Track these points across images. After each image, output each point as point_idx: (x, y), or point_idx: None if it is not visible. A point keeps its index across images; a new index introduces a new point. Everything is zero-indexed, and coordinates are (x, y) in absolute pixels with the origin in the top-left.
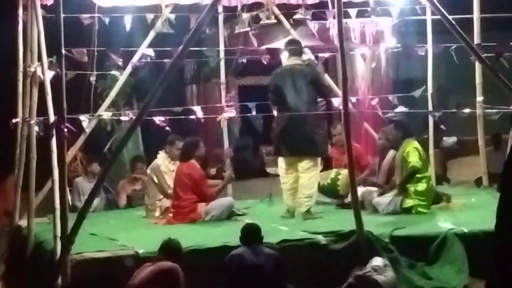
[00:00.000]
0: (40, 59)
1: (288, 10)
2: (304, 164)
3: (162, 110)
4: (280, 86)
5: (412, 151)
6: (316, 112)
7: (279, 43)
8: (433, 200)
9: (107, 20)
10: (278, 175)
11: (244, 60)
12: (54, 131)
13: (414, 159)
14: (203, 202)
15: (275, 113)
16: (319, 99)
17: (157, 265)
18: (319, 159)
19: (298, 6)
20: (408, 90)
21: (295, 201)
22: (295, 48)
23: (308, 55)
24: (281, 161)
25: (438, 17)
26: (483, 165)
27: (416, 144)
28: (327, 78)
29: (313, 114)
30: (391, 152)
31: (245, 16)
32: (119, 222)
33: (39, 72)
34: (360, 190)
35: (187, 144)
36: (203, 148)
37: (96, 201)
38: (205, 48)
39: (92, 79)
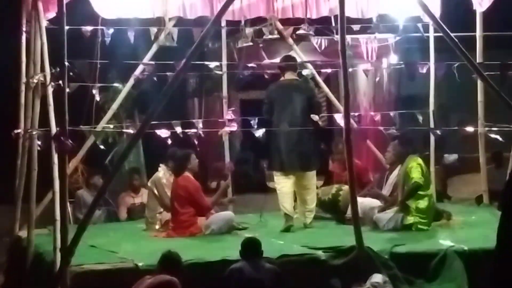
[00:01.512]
0: (43, 70)
1: (291, 25)
2: (305, 182)
3: (164, 123)
4: (277, 100)
5: (415, 167)
6: (310, 126)
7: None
8: (434, 217)
9: (110, 32)
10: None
11: (246, 74)
12: (55, 143)
13: (416, 175)
14: (200, 214)
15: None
16: (320, 114)
17: (156, 278)
18: (314, 172)
19: (301, 21)
20: (410, 107)
21: (293, 205)
22: (291, 63)
23: (309, 70)
24: (279, 175)
25: (441, 34)
26: (484, 183)
27: (419, 160)
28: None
29: (308, 129)
30: (399, 167)
31: (248, 30)
32: (119, 234)
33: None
34: (361, 201)
35: (179, 157)
36: (196, 160)
37: (97, 213)
38: (208, 62)
39: (95, 91)
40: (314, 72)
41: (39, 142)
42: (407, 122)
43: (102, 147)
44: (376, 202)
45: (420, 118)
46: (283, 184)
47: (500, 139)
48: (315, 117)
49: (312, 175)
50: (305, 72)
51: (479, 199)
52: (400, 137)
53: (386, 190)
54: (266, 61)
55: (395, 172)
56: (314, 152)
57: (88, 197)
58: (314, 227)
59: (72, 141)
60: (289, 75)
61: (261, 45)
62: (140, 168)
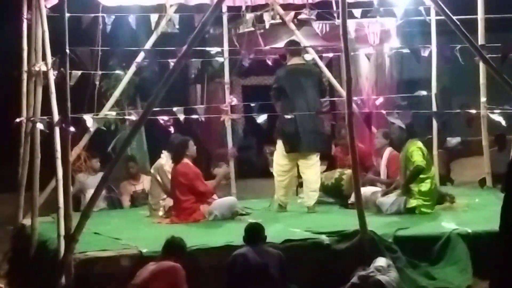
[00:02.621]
0: (44, 58)
1: (292, 10)
2: (308, 160)
3: (166, 110)
4: (287, 85)
5: (415, 150)
6: (321, 110)
7: (284, 43)
8: (437, 200)
9: (111, 19)
10: None
11: (247, 64)
12: (58, 130)
13: (418, 158)
14: (201, 200)
15: (277, 109)
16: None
17: (159, 264)
18: (318, 155)
19: (302, 6)
20: (412, 91)
21: (288, 196)
22: (296, 48)
23: (311, 55)
24: (278, 158)
25: (443, 17)
26: (487, 165)
27: (419, 144)
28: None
29: (318, 112)
30: (388, 149)
31: (249, 16)
32: (122, 221)
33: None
34: (364, 190)
35: (176, 145)
36: (194, 147)
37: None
38: (209, 48)
39: (96, 78)
40: (316, 57)
41: (41, 127)
42: (409, 106)
43: (105, 130)
44: (377, 187)
45: (423, 93)
46: (283, 177)
47: (503, 121)
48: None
49: (316, 156)
50: (307, 57)
51: (482, 181)
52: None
53: (382, 174)
54: (268, 47)
55: (385, 155)
56: (323, 134)
57: (85, 179)
58: (317, 212)
59: (75, 129)
60: (295, 60)
61: (259, 31)
62: (143, 155)
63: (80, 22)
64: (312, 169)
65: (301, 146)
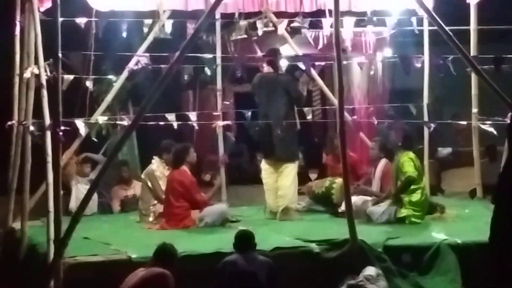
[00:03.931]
0: (36, 62)
1: (285, 18)
2: (279, 168)
3: (158, 116)
4: (256, 94)
5: (407, 161)
6: (289, 118)
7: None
8: (427, 210)
9: (104, 24)
10: None
11: (239, 73)
12: (49, 135)
13: (410, 169)
14: (194, 208)
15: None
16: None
17: (148, 270)
18: (294, 163)
19: (295, 14)
20: (404, 100)
21: (276, 201)
22: (272, 57)
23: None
24: (263, 163)
25: (435, 28)
26: (478, 176)
27: (411, 154)
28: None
29: (282, 120)
30: (383, 161)
31: (242, 23)
32: (112, 226)
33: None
34: (354, 199)
35: (178, 150)
36: (194, 154)
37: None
38: (202, 55)
39: (88, 83)
40: (302, 66)
41: (33, 130)
42: (401, 115)
43: (95, 139)
44: (367, 197)
45: (414, 111)
46: (267, 179)
47: (495, 132)
48: (308, 112)
49: (287, 164)
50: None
51: (473, 192)
52: (383, 137)
53: (375, 185)
54: (260, 54)
55: (380, 167)
56: (289, 143)
57: (77, 185)
58: (305, 220)
59: (66, 133)
60: (266, 69)
61: (254, 38)
62: (134, 160)
63: (73, 27)
64: (282, 174)
65: (267, 153)
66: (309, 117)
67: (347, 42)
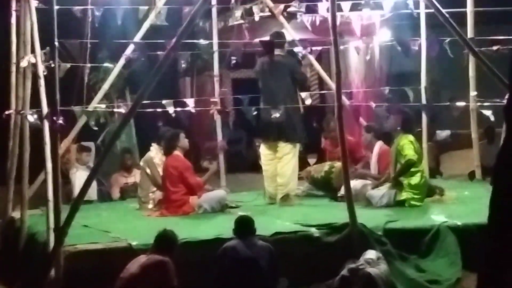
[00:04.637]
0: (33, 51)
1: (281, 3)
2: (280, 151)
3: (155, 103)
4: (259, 76)
5: (407, 144)
6: (294, 101)
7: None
8: (427, 193)
9: (100, 12)
10: None
11: (235, 58)
12: (47, 123)
13: (409, 152)
14: (191, 193)
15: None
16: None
17: (149, 258)
18: (295, 148)
19: None
20: (402, 84)
21: (275, 187)
22: (279, 41)
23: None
24: (263, 148)
25: (432, 10)
26: (476, 158)
27: (411, 137)
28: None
29: (289, 102)
30: (378, 144)
31: (239, 9)
32: (112, 214)
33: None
34: (354, 183)
35: (167, 137)
36: (185, 139)
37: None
38: (198, 41)
39: (85, 71)
40: (302, 50)
41: (31, 119)
42: (399, 99)
43: (94, 127)
44: (367, 180)
45: (411, 94)
46: (267, 165)
47: (492, 118)
48: (307, 98)
49: (285, 146)
50: (296, 49)
51: (472, 174)
52: (399, 112)
53: (372, 169)
54: (257, 39)
55: (376, 150)
56: (291, 125)
57: (76, 173)
58: (304, 205)
59: (64, 121)
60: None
61: (246, 25)
62: (132, 148)
63: (69, 15)
64: (283, 161)
65: (268, 135)
66: (308, 101)
67: (352, 25)
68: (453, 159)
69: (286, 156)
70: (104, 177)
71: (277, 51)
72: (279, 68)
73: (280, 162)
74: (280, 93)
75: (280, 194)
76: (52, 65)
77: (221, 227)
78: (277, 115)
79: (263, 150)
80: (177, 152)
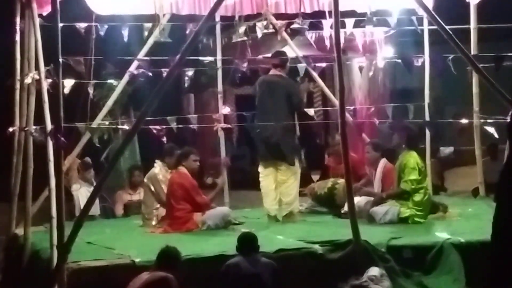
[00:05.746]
0: (37, 67)
1: (285, 20)
2: (281, 171)
3: (159, 119)
4: (257, 95)
5: (412, 166)
6: (289, 122)
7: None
8: (430, 210)
9: (104, 28)
10: None
11: (239, 74)
12: (51, 140)
13: (412, 177)
14: (197, 211)
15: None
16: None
17: (152, 275)
18: (296, 167)
19: (295, 16)
20: (405, 100)
21: (273, 204)
22: (283, 60)
23: (302, 65)
24: (260, 166)
25: (435, 27)
26: (480, 175)
27: (414, 154)
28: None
29: (286, 124)
30: (382, 161)
31: (242, 25)
32: (115, 231)
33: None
34: (357, 199)
35: (178, 152)
36: (194, 160)
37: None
38: (202, 58)
39: (89, 88)
40: (304, 67)
41: (36, 134)
42: (403, 115)
43: (97, 144)
44: (370, 198)
45: (411, 111)
46: (263, 181)
47: (496, 135)
48: (310, 111)
49: (287, 168)
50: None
51: (475, 191)
52: (403, 129)
53: (376, 187)
54: (260, 56)
55: (380, 167)
56: (289, 145)
57: (80, 190)
58: (308, 222)
59: (68, 138)
60: (273, 71)
61: (249, 41)
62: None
63: (73, 31)
64: (287, 183)
65: (263, 155)
66: (311, 113)
67: (355, 42)
68: (457, 176)
69: (290, 178)
70: (108, 194)
71: (277, 71)
72: (276, 89)
73: (285, 183)
74: (274, 113)
75: (285, 211)
76: (56, 82)
77: (225, 243)
78: (267, 134)
79: (260, 168)
80: (184, 170)
